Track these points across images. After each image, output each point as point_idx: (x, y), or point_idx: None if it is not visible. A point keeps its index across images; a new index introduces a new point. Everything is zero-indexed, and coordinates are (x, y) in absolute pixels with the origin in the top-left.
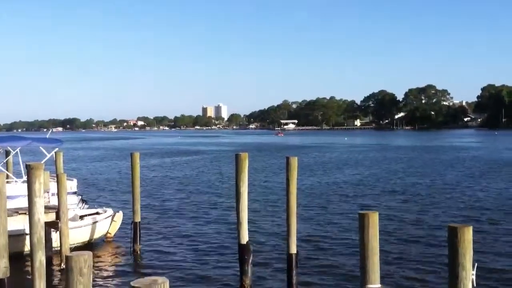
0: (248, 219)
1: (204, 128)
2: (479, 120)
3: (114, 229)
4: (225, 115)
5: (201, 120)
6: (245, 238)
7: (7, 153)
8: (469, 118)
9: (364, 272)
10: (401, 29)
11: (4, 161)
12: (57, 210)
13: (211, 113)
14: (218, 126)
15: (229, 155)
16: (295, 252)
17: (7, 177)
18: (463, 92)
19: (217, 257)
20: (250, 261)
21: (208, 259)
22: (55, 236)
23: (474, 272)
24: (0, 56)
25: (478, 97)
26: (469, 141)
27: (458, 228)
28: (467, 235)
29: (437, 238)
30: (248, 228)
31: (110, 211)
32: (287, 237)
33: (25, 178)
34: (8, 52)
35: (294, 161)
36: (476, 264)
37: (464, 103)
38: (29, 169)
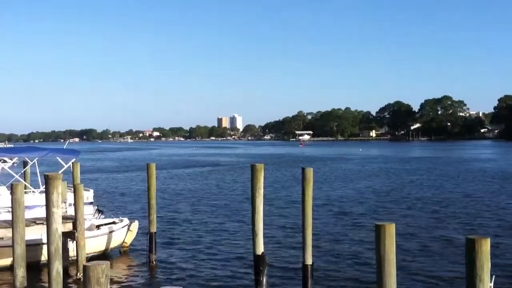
0: (263, 229)
1: (219, 139)
2: (496, 131)
3: (130, 238)
4: (240, 125)
5: (216, 131)
6: (260, 248)
7: (25, 164)
8: (486, 129)
9: (381, 284)
10: (417, 39)
11: (22, 171)
12: (74, 220)
13: (226, 123)
14: (233, 137)
15: (245, 166)
16: (311, 263)
17: (25, 187)
18: (480, 103)
19: (232, 267)
20: (266, 271)
21: (223, 270)
22: (72, 245)
23: (492, 285)
24: (17, 67)
25: (494, 108)
26: (486, 153)
27: (476, 240)
28: (485, 246)
29: (454, 250)
30: (264, 239)
31: (126, 221)
32: (302, 248)
33: (42, 188)
34: (25, 64)
35: (310, 172)
36: (494, 277)
37: (480, 114)
38: (47, 179)
